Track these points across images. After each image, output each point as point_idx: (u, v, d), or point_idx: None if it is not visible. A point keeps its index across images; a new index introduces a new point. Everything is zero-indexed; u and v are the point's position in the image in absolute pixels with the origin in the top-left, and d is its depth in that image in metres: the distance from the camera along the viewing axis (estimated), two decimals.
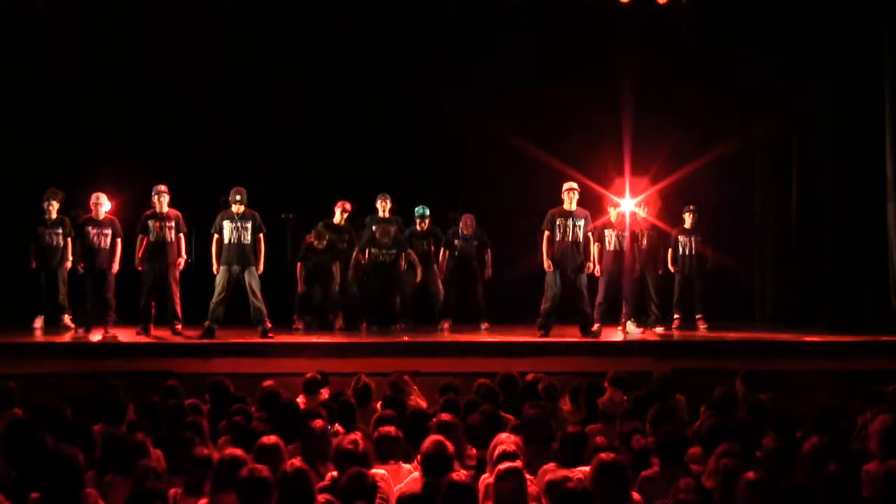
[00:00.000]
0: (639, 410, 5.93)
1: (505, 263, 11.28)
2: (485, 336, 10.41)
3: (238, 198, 9.96)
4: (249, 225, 9.94)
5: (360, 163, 11.89)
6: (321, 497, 4.28)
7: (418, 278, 10.91)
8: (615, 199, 10.96)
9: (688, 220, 11.33)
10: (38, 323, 10.49)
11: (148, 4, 11.55)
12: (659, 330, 10.91)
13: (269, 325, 9.87)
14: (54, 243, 10.45)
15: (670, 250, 11.34)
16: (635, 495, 4.47)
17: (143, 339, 9.87)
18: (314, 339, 10.08)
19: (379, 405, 6.42)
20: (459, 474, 4.32)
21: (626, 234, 10.55)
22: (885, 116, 11.07)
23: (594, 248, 10.38)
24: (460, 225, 10.90)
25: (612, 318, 10.63)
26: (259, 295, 9.84)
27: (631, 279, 10.64)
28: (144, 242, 10.17)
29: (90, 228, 10.16)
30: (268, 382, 6.75)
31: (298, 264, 10.87)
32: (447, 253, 10.99)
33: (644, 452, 5.19)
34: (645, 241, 10.89)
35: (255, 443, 4.83)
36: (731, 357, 9.05)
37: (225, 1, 11.83)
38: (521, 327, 10.46)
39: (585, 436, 5.28)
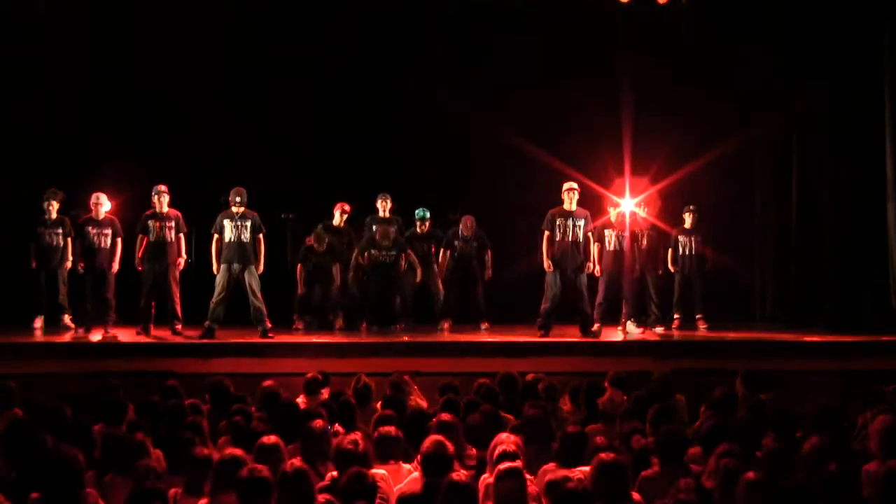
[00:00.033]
0: (639, 410, 5.93)
1: (505, 263, 11.27)
2: (485, 336, 10.41)
3: (238, 199, 9.96)
4: (249, 224, 9.95)
5: (360, 163, 11.89)
6: (321, 497, 4.28)
7: (418, 279, 10.91)
8: (615, 199, 10.96)
9: (688, 220, 11.33)
10: (38, 323, 10.49)
11: (148, 4, 11.55)
12: (659, 330, 10.91)
13: (269, 325, 9.88)
14: (54, 243, 10.45)
15: (670, 250, 11.34)
16: (635, 495, 4.47)
17: (143, 339, 9.87)
18: (314, 339, 10.08)
19: (379, 405, 6.42)
20: (459, 474, 4.32)
21: (626, 234, 10.55)
22: (885, 116, 11.06)
23: (594, 248, 10.38)
24: (460, 226, 10.90)
25: (612, 318, 10.63)
26: (259, 295, 9.84)
27: (631, 279, 10.64)
28: (144, 242, 10.17)
29: (90, 228, 10.16)
30: (268, 382, 6.75)
31: (298, 265, 10.87)
32: (447, 254, 11.00)
33: (644, 452, 5.19)
34: (645, 241, 10.89)
35: (255, 443, 4.83)
36: (731, 357, 9.05)
37: (225, 1, 11.84)
38: (521, 327, 10.46)
39: (585, 436, 5.28)
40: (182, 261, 10.26)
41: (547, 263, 10.11)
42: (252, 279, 9.87)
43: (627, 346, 10.03)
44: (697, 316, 11.27)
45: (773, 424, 5.48)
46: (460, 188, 11.97)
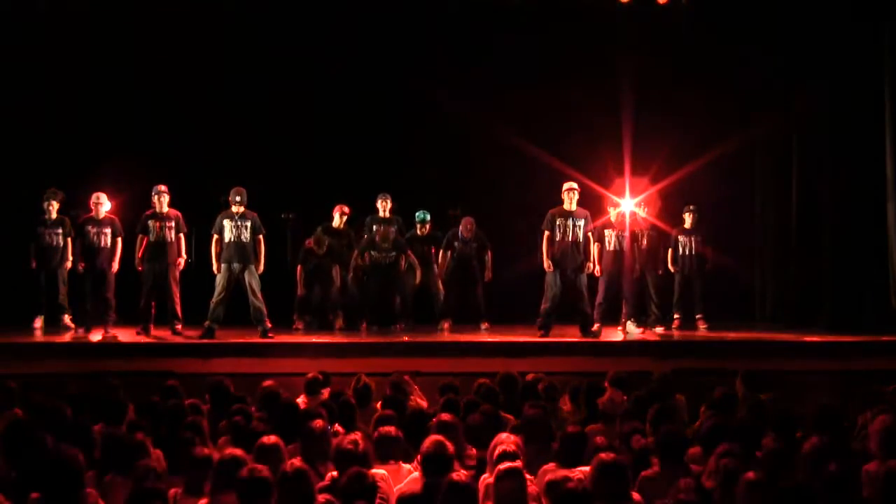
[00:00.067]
0: (639, 410, 5.93)
1: (505, 263, 11.27)
2: (485, 336, 10.41)
3: (238, 198, 9.96)
4: (249, 225, 9.95)
5: (360, 163, 11.89)
6: (321, 497, 4.28)
7: (417, 280, 10.92)
8: (615, 199, 10.96)
9: (688, 220, 11.33)
10: (38, 323, 10.49)
11: (148, 4, 11.55)
12: (659, 330, 10.91)
13: (269, 325, 9.88)
14: (54, 243, 10.45)
15: (670, 250, 11.34)
16: (635, 495, 4.47)
17: (143, 339, 9.87)
18: (314, 339, 10.08)
19: (379, 405, 6.41)
20: (459, 474, 4.32)
21: (626, 234, 10.55)
22: (885, 116, 11.06)
23: (594, 248, 10.38)
24: (460, 228, 10.90)
25: (612, 318, 10.63)
26: (259, 295, 9.85)
27: (631, 279, 10.64)
28: (144, 242, 10.18)
29: (90, 227, 10.16)
30: (268, 382, 6.75)
31: (298, 267, 10.86)
32: (447, 254, 11.00)
33: (644, 452, 5.19)
34: (645, 241, 10.89)
35: (255, 443, 4.83)
36: (731, 357, 9.05)
37: (225, 1, 11.84)
38: (521, 327, 10.46)
39: (585, 436, 5.28)
40: (182, 261, 10.26)
41: (547, 263, 10.11)
42: (252, 279, 9.87)
43: (627, 346, 10.03)
44: (697, 316, 11.26)
45: (773, 424, 5.48)
46: (460, 188, 11.96)
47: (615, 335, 10.46)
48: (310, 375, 7.09)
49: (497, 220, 11.60)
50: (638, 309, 10.85)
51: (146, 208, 10.28)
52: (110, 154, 10.84)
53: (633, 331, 10.66)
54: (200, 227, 10.51)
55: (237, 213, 9.96)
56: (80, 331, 10.17)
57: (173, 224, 10.19)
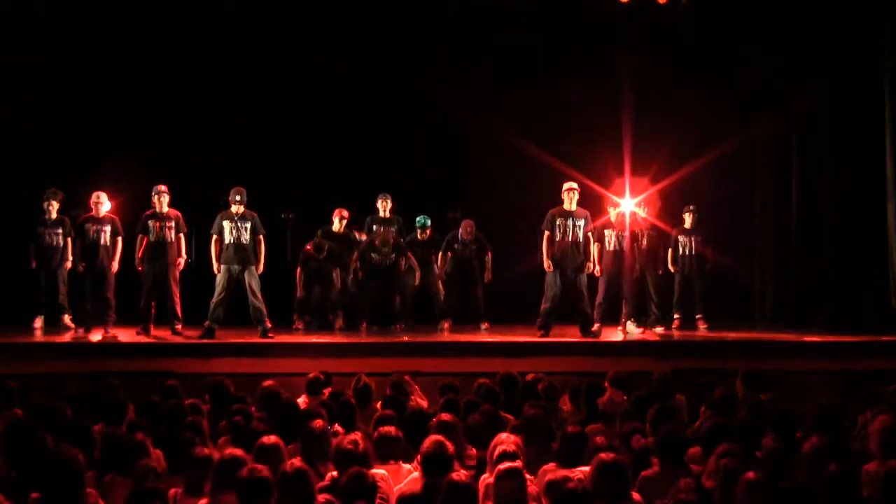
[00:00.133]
0: (639, 410, 5.93)
1: (505, 263, 11.27)
2: (485, 336, 10.42)
3: (238, 198, 9.96)
4: (249, 225, 9.95)
5: (360, 163, 11.89)
6: (321, 497, 4.28)
7: (417, 281, 10.92)
8: (615, 199, 10.96)
9: (688, 220, 11.33)
10: (38, 323, 10.49)
11: (148, 4, 11.55)
12: (659, 330, 10.91)
13: (269, 325, 9.88)
14: (54, 243, 10.45)
15: (670, 250, 11.34)
16: (635, 495, 4.47)
17: (143, 339, 9.87)
18: (314, 339, 10.09)
19: (379, 405, 6.41)
20: (459, 474, 4.32)
21: (626, 234, 10.55)
22: (885, 116, 11.07)
23: (594, 248, 10.38)
24: (460, 230, 10.91)
25: (612, 318, 10.63)
26: (259, 295, 9.85)
27: (631, 279, 10.64)
28: (144, 242, 10.18)
29: (89, 225, 10.17)
30: (268, 382, 6.74)
31: (298, 269, 10.86)
32: (447, 255, 11.01)
33: (644, 452, 5.19)
34: (645, 241, 10.88)
35: (255, 443, 4.82)
36: (731, 357, 9.05)
37: (225, 1, 11.84)
38: (521, 327, 10.46)
39: (585, 436, 5.28)
40: (182, 261, 10.26)
41: (547, 263, 10.11)
42: (252, 279, 9.87)
43: (627, 346, 10.03)
44: (697, 316, 11.27)
45: (773, 424, 5.48)
46: (460, 188, 11.97)
47: (615, 335, 10.46)
48: (311, 375, 7.08)
49: (497, 221, 11.60)
50: (638, 309, 10.85)
51: (146, 208, 10.28)
52: (110, 154, 10.85)
53: (633, 331, 10.66)
54: (200, 227, 10.51)
55: (237, 213, 9.96)
56: (80, 331, 10.17)
57: (173, 224, 10.19)
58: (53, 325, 10.46)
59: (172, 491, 4.49)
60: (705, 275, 11.36)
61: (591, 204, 10.70)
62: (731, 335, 10.54)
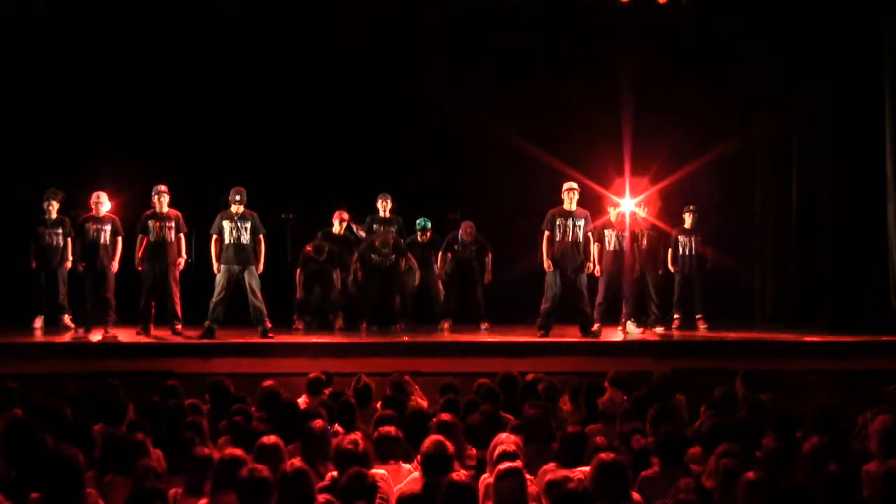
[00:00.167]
0: (639, 410, 5.93)
1: (505, 264, 11.27)
2: (485, 336, 10.42)
3: (238, 197, 9.96)
4: (249, 225, 9.95)
5: (360, 163, 11.89)
6: (321, 497, 4.28)
7: (417, 282, 10.92)
8: (615, 199, 10.96)
9: (688, 220, 11.33)
10: (38, 323, 10.49)
11: (148, 4, 11.55)
12: (659, 330, 10.91)
13: (269, 325, 9.88)
14: (54, 243, 10.45)
15: (670, 250, 11.34)
16: (635, 495, 4.47)
17: (143, 339, 9.87)
18: (314, 339, 10.08)
19: (379, 405, 6.41)
20: (459, 474, 4.32)
21: (626, 234, 10.55)
22: (885, 116, 11.06)
23: (594, 248, 10.38)
24: (460, 232, 10.91)
25: (612, 318, 10.63)
26: (259, 295, 9.84)
27: (631, 279, 10.64)
28: (144, 242, 10.18)
29: (89, 224, 10.17)
30: (268, 382, 6.74)
31: (298, 270, 10.85)
32: (447, 256, 11.02)
33: (644, 452, 5.19)
34: (645, 241, 10.88)
35: (255, 443, 4.82)
36: (731, 357, 9.05)
37: (225, 1, 11.84)
38: (521, 327, 10.46)
39: (585, 436, 5.28)
40: (182, 261, 10.26)
41: (547, 263, 10.11)
42: (252, 279, 9.87)
43: (627, 346, 10.03)
44: (697, 316, 11.26)
45: (773, 424, 5.48)
46: (460, 188, 11.96)
47: (615, 335, 10.46)
48: (312, 375, 7.08)
49: (497, 221, 11.60)
50: (638, 309, 10.85)
51: (146, 208, 10.28)
52: (110, 154, 10.84)
53: (633, 331, 10.66)
54: (200, 227, 10.51)
55: (237, 213, 9.95)
56: (80, 331, 10.17)
57: (173, 224, 10.19)
58: (53, 325, 10.46)
59: (172, 491, 4.49)
60: (705, 275, 11.36)
61: (591, 204, 10.70)
62: (731, 335, 10.54)
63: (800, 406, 6.19)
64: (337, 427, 5.70)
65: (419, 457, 4.71)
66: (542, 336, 9.96)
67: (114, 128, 11.53)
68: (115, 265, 10.22)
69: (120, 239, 10.26)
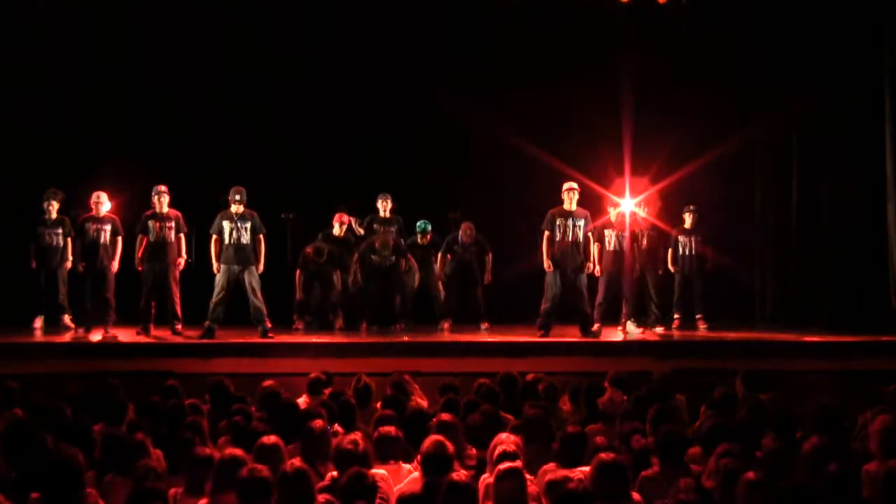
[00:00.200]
0: (639, 410, 5.93)
1: (505, 264, 11.27)
2: (485, 336, 10.42)
3: (237, 197, 9.96)
4: (249, 225, 9.95)
5: (360, 163, 11.89)
6: (321, 497, 4.28)
7: (416, 283, 10.92)
8: (615, 199, 10.96)
9: (688, 220, 11.33)
10: (38, 323, 10.49)
11: (148, 4, 11.55)
12: (659, 330, 10.90)
13: (269, 325, 9.88)
14: (54, 243, 10.45)
15: (670, 250, 11.34)
16: (635, 495, 4.47)
17: (143, 339, 9.87)
18: (314, 339, 10.08)
19: (379, 405, 6.41)
20: (459, 474, 4.32)
21: (626, 234, 10.55)
22: (885, 116, 11.06)
23: (594, 248, 10.38)
24: (460, 233, 10.91)
25: (612, 318, 10.63)
26: (259, 294, 9.84)
27: (631, 279, 10.64)
28: (144, 242, 10.18)
29: (89, 224, 10.17)
30: (268, 382, 6.74)
31: (297, 271, 10.85)
32: (447, 257, 11.02)
33: (644, 452, 5.19)
34: (645, 241, 10.88)
35: (255, 443, 4.83)
36: (731, 357, 9.05)
37: (225, 1, 11.84)
38: (521, 327, 10.46)
39: (585, 436, 5.28)
40: (182, 261, 10.27)
41: (547, 263, 10.11)
42: (252, 279, 9.87)
43: (627, 346, 10.03)
44: (697, 316, 11.26)
45: (773, 424, 5.48)
46: (460, 188, 11.96)
47: (615, 335, 10.46)
48: (312, 375, 7.08)
49: (497, 221, 11.61)
50: (638, 309, 10.85)
51: (146, 208, 10.28)
52: (110, 154, 10.84)
53: (633, 331, 10.66)
54: (200, 227, 10.51)
55: (236, 213, 9.95)
56: (80, 331, 10.17)
57: (173, 224, 10.19)
58: (53, 325, 10.46)
59: (172, 491, 4.49)
60: (705, 275, 11.36)
61: (591, 204, 10.70)
62: (731, 335, 10.54)
63: (800, 406, 6.19)
64: (337, 427, 5.70)
65: (419, 457, 4.71)
66: (542, 336, 9.96)
67: (114, 128, 11.53)
68: (115, 265, 10.22)
69: (120, 239, 10.26)
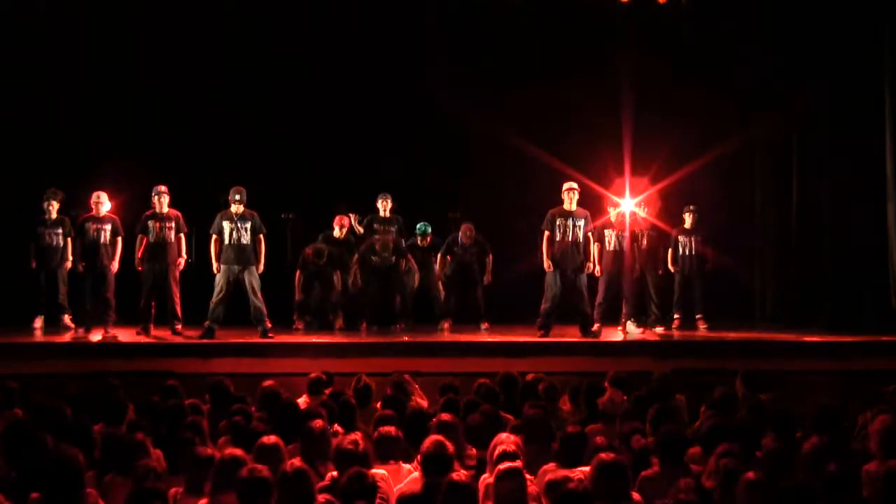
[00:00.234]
0: (639, 410, 5.93)
1: (505, 264, 11.27)
2: (485, 336, 10.42)
3: (237, 197, 9.96)
4: (249, 225, 9.95)
5: (360, 163, 11.88)
6: (321, 497, 4.28)
7: (416, 283, 10.92)
8: (615, 199, 10.96)
9: (688, 220, 11.33)
10: (38, 323, 10.49)
11: (148, 4, 11.55)
12: (659, 330, 10.90)
13: (269, 325, 9.88)
14: (54, 243, 10.45)
15: (670, 250, 11.35)
16: (635, 495, 4.47)
17: (143, 339, 9.87)
18: (314, 339, 10.08)
19: (379, 405, 6.41)
20: (459, 474, 4.32)
21: (626, 234, 10.55)
22: (886, 116, 11.07)
23: (594, 248, 10.38)
24: (460, 234, 10.91)
25: (612, 318, 10.63)
26: (259, 294, 9.84)
27: (631, 279, 10.64)
28: (144, 242, 10.18)
29: (90, 224, 10.18)
30: (268, 382, 6.74)
31: (297, 272, 10.85)
32: (447, 257, 11.02)
33: (644, 452, 5.19)
34: (645, 241, 10.88)
35: (255, 443, 4.83)
36: (731, 357, 9.05)
37: (225, 1, 11.84)
38: (521, 327, 10.46)
39: (585, 436, 5.27)
40: (182, 261, 10.27)
41: (547, 263, 10.11)
42: (252, 279, 9.87)
43: (627, 346, 10.03)
44: (697, 316, 11.26)
45: (773, 424, 5.48)
46: (460, 188, 11.96)
47: (615, 335, 10.46)
48: (313, 375, 7.08)
49: (497, 221, 11.61)
50: (638, 309, 10.85)
51: (146, 208, 10.28)
52: (110, 154, 10.84)
53: (633, 331, 10.66)
54: (200, 227, 10.51)
55: (236, 213, 9.95)
56: (80, 331, 10.17)
57: (173, 224, 10.19)
58: (53, 325, 10.46)
59: (172, 491, 4.49)
60: (705, 275, 11.36)
61: (591, 204, 10.70)
62: (731, 335, 10.54)
63: (800, 406, 6.19)
64: (337, 427, 5.70)
65: (419, 457, 4.71)
66: (542, 336, 9.96)
67: (114, 128, 11.53)
68: (115, 265, 10.22)
69: (120, 239, 10.26)
